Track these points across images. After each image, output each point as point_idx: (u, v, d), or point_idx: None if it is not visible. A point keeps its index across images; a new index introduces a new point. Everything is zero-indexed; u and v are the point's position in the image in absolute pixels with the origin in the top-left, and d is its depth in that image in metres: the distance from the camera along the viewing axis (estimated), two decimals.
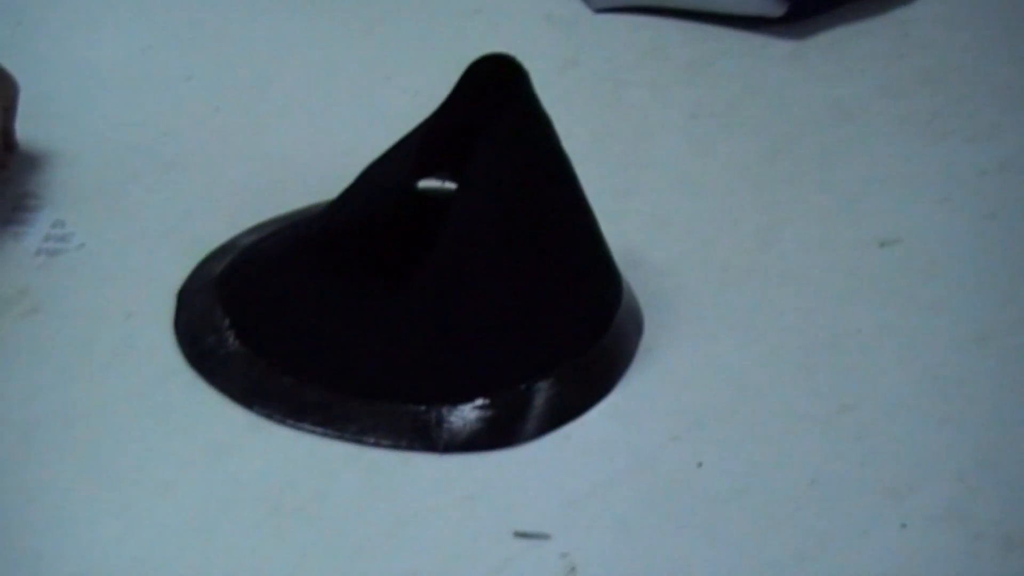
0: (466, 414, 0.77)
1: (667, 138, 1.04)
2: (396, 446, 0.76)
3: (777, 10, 1.18)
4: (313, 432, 0.77)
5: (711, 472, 0.74)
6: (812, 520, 0.72)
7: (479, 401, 0.77)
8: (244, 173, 0.98)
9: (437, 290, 0.79)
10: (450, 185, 0.84)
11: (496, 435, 0.76)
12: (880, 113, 1.08)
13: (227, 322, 0.82)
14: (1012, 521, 0.71)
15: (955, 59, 1.15)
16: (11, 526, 0.71)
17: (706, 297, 0.87)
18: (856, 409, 0.79)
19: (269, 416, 0.78)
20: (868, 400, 0.79)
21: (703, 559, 0.69)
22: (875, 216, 0.95)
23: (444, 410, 0.77)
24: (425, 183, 0.84)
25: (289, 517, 0.72)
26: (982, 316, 0.86)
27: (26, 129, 0.99)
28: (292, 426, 0.77)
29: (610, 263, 0.84)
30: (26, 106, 0.98)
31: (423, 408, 0.77)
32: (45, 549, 0.69)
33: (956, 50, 1.16)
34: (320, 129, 1.04)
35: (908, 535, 0.71)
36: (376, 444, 0.76)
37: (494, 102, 0.79)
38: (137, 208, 0.95)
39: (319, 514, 0.72)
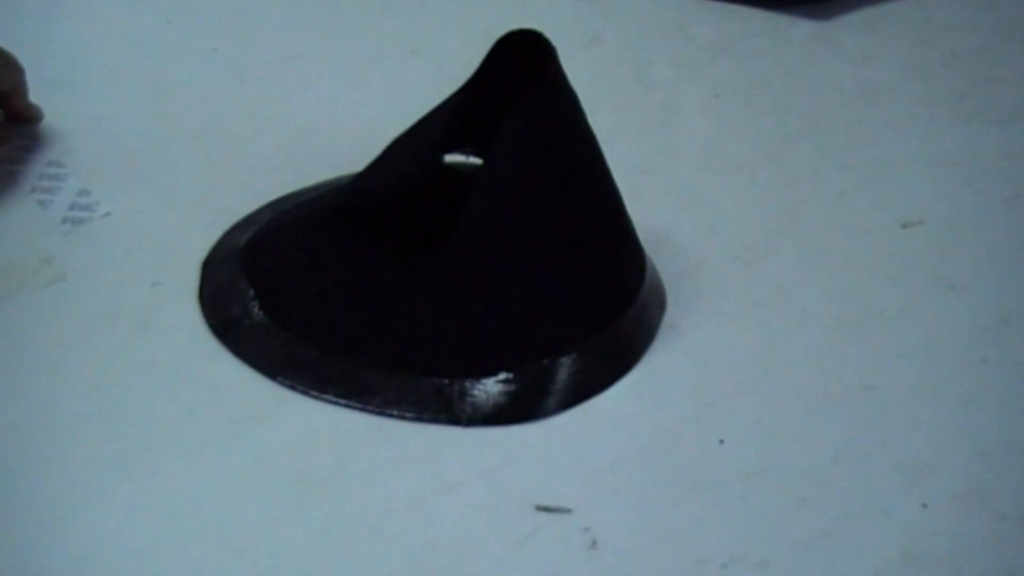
0: (489, 388, 0.77)
1: (691, 117, 1.04)
2: (419, 418, 0.76)
3: None
4: (336, 403, 0.77)
5: (733, 449, 0.75)
6: (833, 499, 0.72)
7: (502, 375, 0.77)
8: (269, 144, 0.99)
9: (462, 264, 0.79)
10: (476, 160, 0.84)
11: (519, 409, 0.77)
12: (904, 94, 1.08)
13: (252, 292, 0.83)
14: None
15: (980, 41, 1.14)
16: (34, 493, 0.71)
17: (729, 275, 0.87)
18: (878, 389, 0.79)
19: (293, 387, 0.78)
20: (890, 380, 0.79)
21: (724, 536, 0.69)
22: (898, 197, 0.95)
23: (467, 383, 0.77)
24: (451, 157, 0.84)
25: (311, 488, 0.72)
26: (1004, 297, 0.86)
27: (51, 98, 0.99)
28: (315, 397, 0.77)
29: (634, 240, 0.84)
30: (52, 76, 0.98)
31: (446, 381, 0.77)
32: (67, 516, 0.69)
33: (981, 32, 1.16)
34: (346, 102, 1.05)
35: (930, 515, 0.71)
36: (399, 416, 0.76)
37: (521, 78, 0.79)
38: (163, 178, 0.95)
39: (341, 485, 0.72)
